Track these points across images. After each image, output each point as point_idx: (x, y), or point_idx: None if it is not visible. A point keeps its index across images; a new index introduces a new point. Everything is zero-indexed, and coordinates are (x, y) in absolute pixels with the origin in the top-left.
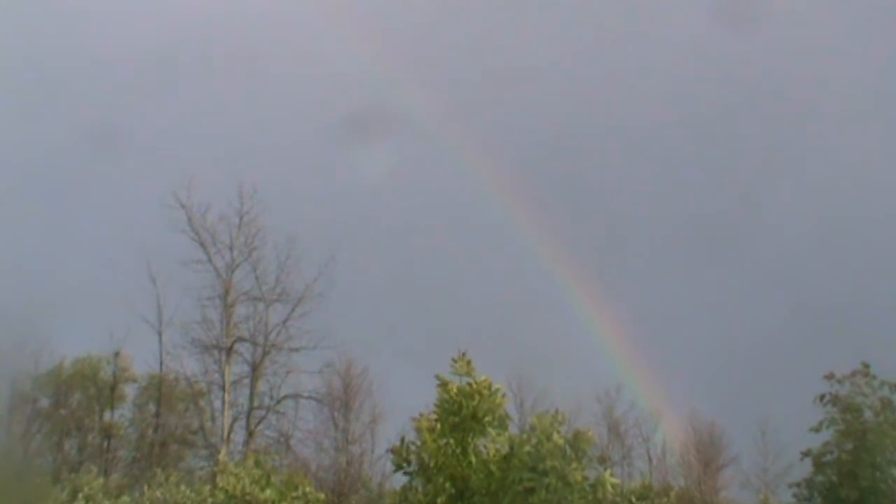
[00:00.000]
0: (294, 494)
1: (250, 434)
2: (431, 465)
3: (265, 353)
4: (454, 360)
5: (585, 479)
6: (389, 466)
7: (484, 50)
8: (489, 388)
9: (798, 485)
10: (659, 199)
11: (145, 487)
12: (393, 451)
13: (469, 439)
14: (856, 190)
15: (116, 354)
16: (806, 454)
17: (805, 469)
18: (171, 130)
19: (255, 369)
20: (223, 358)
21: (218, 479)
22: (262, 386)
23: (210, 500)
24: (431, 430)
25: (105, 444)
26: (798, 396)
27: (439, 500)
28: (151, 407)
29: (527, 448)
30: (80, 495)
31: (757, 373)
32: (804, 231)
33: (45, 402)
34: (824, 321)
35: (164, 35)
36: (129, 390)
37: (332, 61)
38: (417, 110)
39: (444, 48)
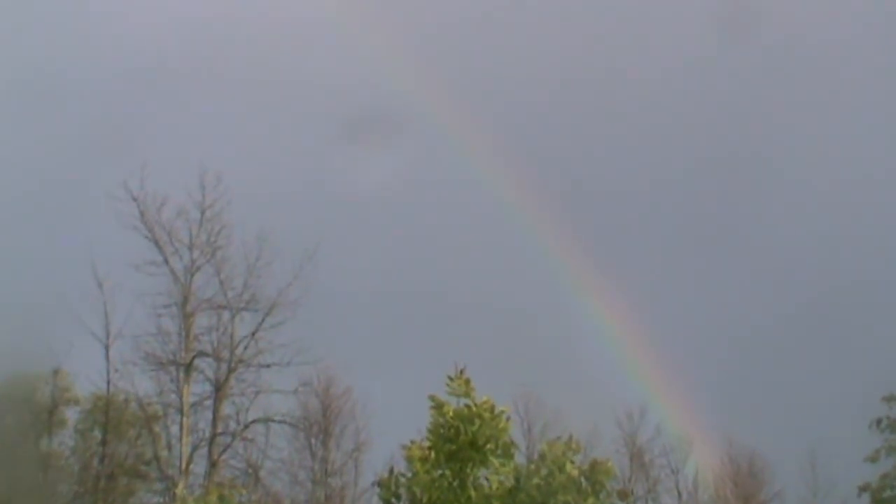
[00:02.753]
0: None
1: (213, 464)
2: (424, 499)
3: (230, 371)
4: (451, 379)
5: None
6: (375, 501)
7: (485, 55)
8: (491, 410)
9: None
10: (665, 201)
11: None
12: (380, 483)
13: (468, 470)
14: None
15: (56, 372)
16: (863, 489)
17: None
18: (168, 132)
19: (218, 389)
20: (181, 376)
21: None
22: (226, 408)
23: None
24: (424, 459)
25: (42, 476)
26: (852, 420)
27: None
28: (97, 433)
29: (536, 480)
30: None
31: (805, 393)
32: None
33: None
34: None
35: (165, 37)
36: (71, 414)
37: (334, 65)
38: (418, 115)
39: (446, 53)
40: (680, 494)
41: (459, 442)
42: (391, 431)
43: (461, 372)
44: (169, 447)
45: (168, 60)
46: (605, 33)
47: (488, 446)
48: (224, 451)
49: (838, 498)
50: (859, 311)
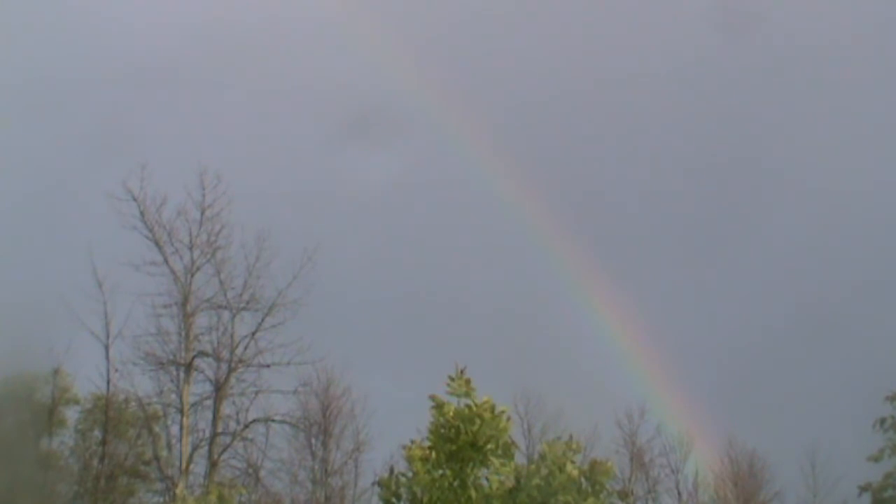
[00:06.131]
0: None
1: (213, 464)
2: (425, 500)
3: (231, 370)
4: (451, 379)
5: None
6: (375, 501)
7: (485, 55)
8: (492, 410)
9: None
10: (665, 202)
11: None
12: (380, 483)
13: (468, 470)
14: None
15: (56, 372)
16: (864, 489)
17: None
18: (167, 132)
19: (218, 389)
20: (181, 376)
21: None
22: (226, 408)
23: None
24: (425, 459)
25: (42, 476)
26: (853, 420)
27: None
28: (97, 433)
29: (536, 481)
30: None
31: (805, 393)
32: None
33: None
34: None
35: (165, 37)
36: (71, 413)
37: (335, 66)
38: (419, 115)
39: (446, 53)
40: (680, 494)
41: (460, 442)
42: (391, 431)
43: (461, 372)
44: (169, 447)
45: (167, 61)
46: (605, 33)
47: (488, 446)
48: (224, 451)
49: (838, 498)
50: (859, 311)
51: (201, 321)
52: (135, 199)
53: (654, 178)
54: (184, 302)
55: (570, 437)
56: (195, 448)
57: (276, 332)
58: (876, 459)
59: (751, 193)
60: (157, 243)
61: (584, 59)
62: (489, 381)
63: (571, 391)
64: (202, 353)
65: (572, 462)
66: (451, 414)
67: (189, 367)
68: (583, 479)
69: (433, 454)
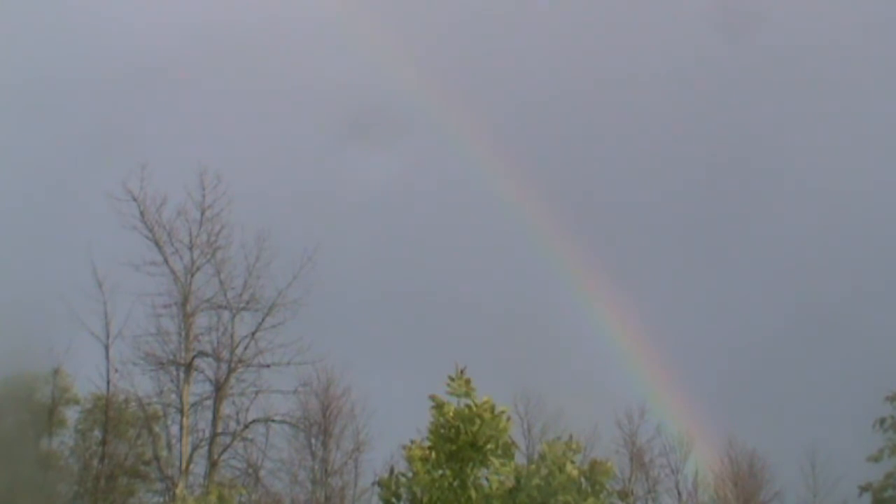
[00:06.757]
0: None
1: (213, 464)
2: (425, 500)
3: (231, 370)
4: (451, 379)
5: None
6: (376, 501)
7: (485, 55)
8: (492, 410)
9: None
10: (666, 203)
11: None
12: (380, 483)
13: (468, 470)
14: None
15: (56, 372)
16: (864, 489)
17: None
18: (167, 132)
19: (218, 389)
20: (181, 376)
21: None
22: (226, 408)
23: None
24: (425, 459)
25: (42, 476)
26: (853, 420)
27: None
28: (97, 433)
29: (536, 481)
30: None
31: (805, 393)
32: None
33: None
34: None
35: (165, 37)
36: (71, 413)
37: (335, 65)
38: (420, 116)
39: (446, 53)
40: (680, 494)
41: (460, 442)
42: (391, 431)
43: (461, 372)
44: (169, 447)
45: (168, 61)
46: (605, 33)
47: (488, 446)
48: (224, 451)
49: (838, 498)
50: (859, 311)
51: (201, 321)
52: (135, 199)
53: (654, 178)
54: (184, 302)
55: (570, 437)
56: (195, 448)
57: (276, 332)
58: (876, 459)
59: (750, 193)
60: (157, 243)
61: (584, 59)
62: (489, 381)
63: (571, 391)
64: (202, 353)
65: (572, 462)
66: (451, 414)
67: (189, 367)
68: (583, 479)
69: (433, 454)
